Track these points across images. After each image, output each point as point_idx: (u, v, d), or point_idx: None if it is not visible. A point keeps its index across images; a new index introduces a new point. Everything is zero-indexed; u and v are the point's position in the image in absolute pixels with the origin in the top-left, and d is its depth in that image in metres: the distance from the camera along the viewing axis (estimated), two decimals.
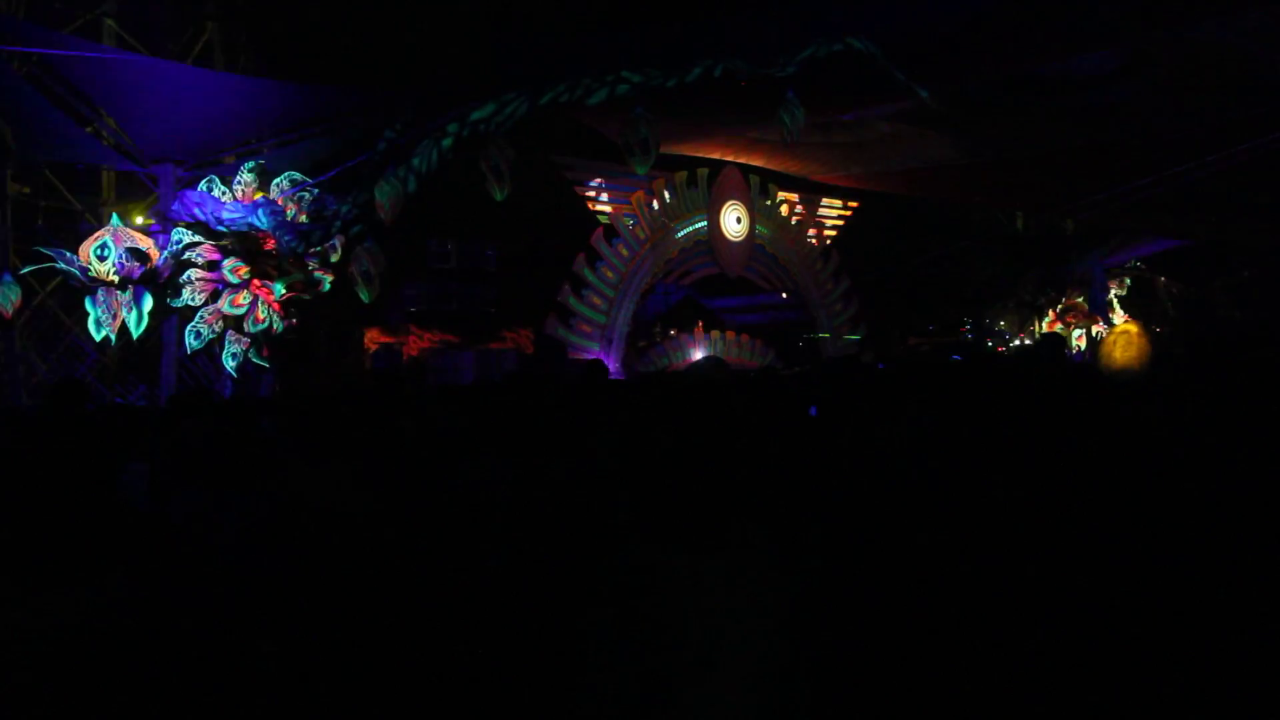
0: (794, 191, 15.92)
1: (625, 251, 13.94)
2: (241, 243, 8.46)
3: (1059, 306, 17.28)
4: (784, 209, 16.10)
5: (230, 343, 8.45)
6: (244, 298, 8.43)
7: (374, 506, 2.69)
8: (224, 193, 8.62)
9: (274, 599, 2.25)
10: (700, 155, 13.54)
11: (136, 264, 8.04)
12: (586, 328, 13.64)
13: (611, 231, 13.84)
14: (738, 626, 1.62)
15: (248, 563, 2.41)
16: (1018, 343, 16.61)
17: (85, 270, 7.94)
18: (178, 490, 2.71)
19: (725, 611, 1.62)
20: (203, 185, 8.66)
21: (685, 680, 1.57)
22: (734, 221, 15.09)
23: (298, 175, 8.89)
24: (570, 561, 2.12)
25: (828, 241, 16.82)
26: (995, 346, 15.54)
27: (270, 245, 8.50)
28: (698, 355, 14.47)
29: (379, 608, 2.27)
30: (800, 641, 1.69)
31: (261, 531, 2.57)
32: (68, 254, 7.97)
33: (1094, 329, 15.84)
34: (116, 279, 7.99)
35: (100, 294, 7.98)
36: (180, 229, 8.37)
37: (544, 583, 2.20)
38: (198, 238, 8.38)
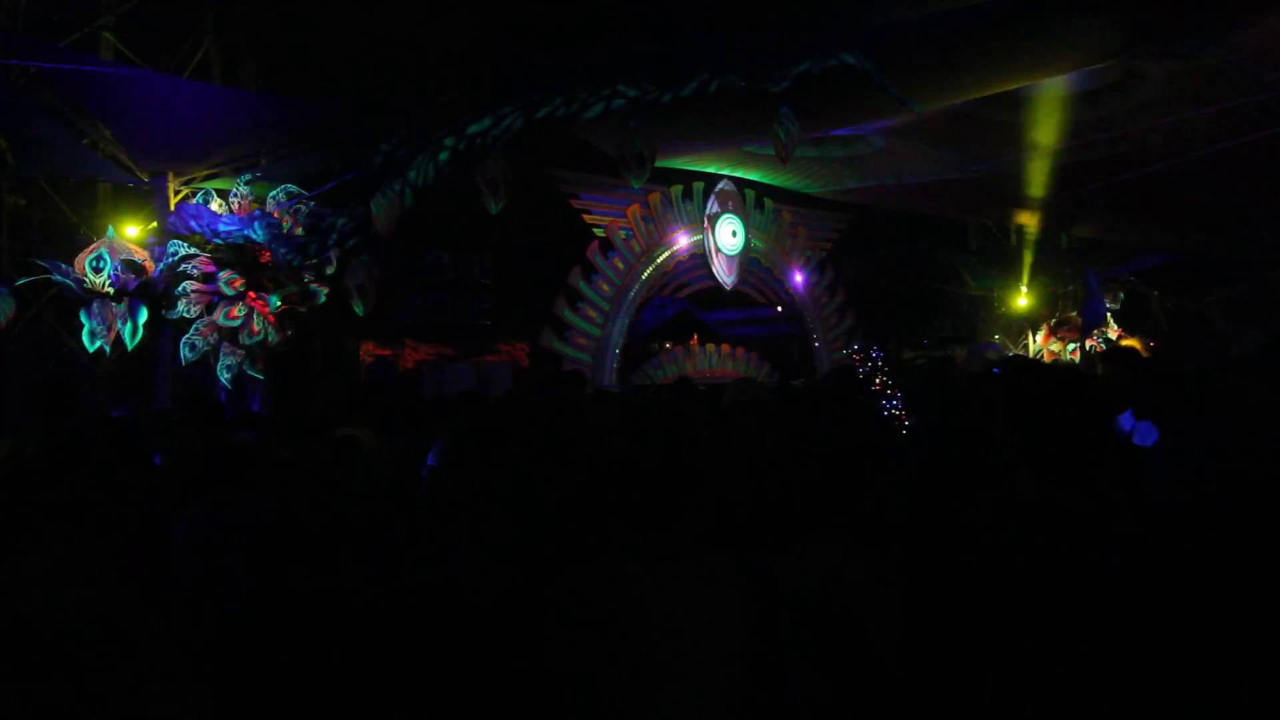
0: (789, 205, 15.95)
1: (621, 264, 13.97)
2: (237, 255, 8.48)
3: (1052, 320, 17.33)
4: (779, 223, 16.13)
5: (224, 355, 8.45)
6: (239, 310, 8.44)
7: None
8: (220, 205, 8.66)
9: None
10: (696, 168, 13.59)
11: (132, 276, 8.06)
12: (582, 340, 13.65)
13: (607, 244, 13.86)
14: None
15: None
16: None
17: (81, 282, 7.94)
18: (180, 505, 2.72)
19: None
20: (199, 198, 8.70)
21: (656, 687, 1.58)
22: (729, 235, 15.11)
23: (294, 188, 8.92)
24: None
25: (823, 254, 16.85)
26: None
27: (266, 258, 8.52)
28: (693, 368, 14.47)
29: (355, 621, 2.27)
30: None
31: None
32: (63, 265, 7.97)
33: (1088, 344, 15.85)
34: (112, 291, 8.00)
35: (95, 306, 7.98)
36: (176, 241, 8.39)
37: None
38: (193, 250, 8.40)
